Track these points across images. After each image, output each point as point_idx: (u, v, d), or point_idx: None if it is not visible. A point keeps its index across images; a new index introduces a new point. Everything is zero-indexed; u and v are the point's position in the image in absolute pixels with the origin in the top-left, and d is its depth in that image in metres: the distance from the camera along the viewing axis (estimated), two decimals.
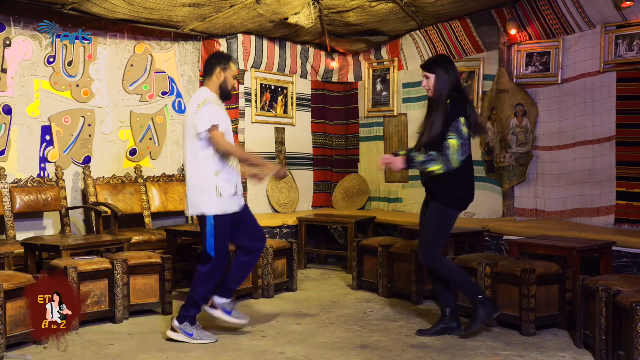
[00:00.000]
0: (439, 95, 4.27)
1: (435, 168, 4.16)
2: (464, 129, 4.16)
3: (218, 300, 4.39)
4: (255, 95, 7.60)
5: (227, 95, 4.34)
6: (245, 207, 4.47)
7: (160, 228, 6.40)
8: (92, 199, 6.13)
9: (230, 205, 4.27)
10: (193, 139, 4.19)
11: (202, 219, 4.27)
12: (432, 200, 4.34)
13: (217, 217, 4.21)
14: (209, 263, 4.24)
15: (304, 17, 6.73)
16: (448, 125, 4.18)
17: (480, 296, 4.31)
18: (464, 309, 4.74)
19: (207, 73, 4.32)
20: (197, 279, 4.28)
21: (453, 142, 4.14)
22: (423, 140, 4.33)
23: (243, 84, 7.43)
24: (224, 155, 4.21)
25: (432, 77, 4.31)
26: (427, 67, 4.38)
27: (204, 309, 4.40)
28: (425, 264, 4.40)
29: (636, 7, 5.86)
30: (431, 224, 4.33)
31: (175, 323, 4.27)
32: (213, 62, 4.31)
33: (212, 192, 4.18)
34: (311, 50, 8.07)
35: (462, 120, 4.16)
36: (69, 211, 6.05)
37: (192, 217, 6.85)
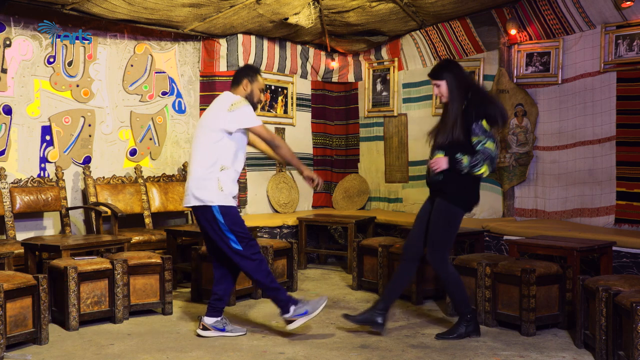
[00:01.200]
0: (453, 100, 4.22)
1: (483, 170, 4.17)
2: (488, 127, 4.16)
3: (208, 320, 4.34)
4: None
5: (252, 107, 4.36)
6: None
7: (160, 228, 6.40)
8: (92, 199, 6.13)
9: (231, 201, 4.26)
10: (210, 134, 4.20)
11: (204, 214, 4.20)
12: (441, 199, 4.28)
13: (222, 208, 4.19)
14: (241, 258, 4.21)
15: (304, 17, 6.74)
16: (469, 130, 4.15)
17: (469, 315, 4.34)
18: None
19: (234, 83, 4.39)
20: (251, 276, 4.28)
21: (489, 144, 4.15)
22: (439, 141, 4.28)
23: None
24: (274, 147, 4.30)
25: (442, 83, 4.26)
26: (434, 75, 4.31)
27: (199, 332, 4.35)
28: (433, 265, 4.34)
29: (636, 7, 5.86)
30: (439, 224, 4.28)
31: (287, 315, 4.23)
32: (241, 74, 4.39)
33: (214, 185, 4.18)
34: (311, 50, 8.07)
35: (484, 122, 4.14)
36: (69, 211, 6.05)
37: (192, 217, 6.88)
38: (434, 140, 4.35)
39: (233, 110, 4.19)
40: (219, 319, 4.36)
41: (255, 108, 4.39)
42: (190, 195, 4.25)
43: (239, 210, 4.42)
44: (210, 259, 5.34)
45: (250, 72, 4.40)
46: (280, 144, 4.36)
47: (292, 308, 4.23)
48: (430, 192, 4.44)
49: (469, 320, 4.34)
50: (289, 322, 4.26)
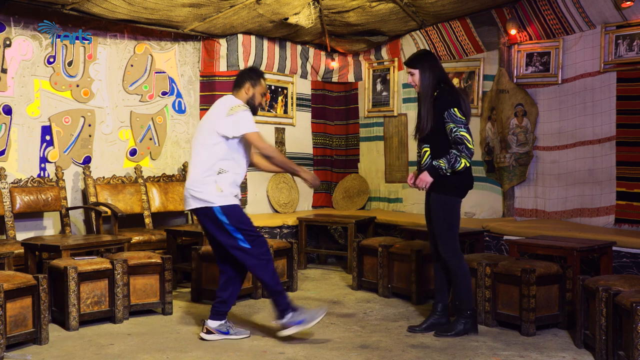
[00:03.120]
0: (425, 90, 4.32)
1: (463, 163, 4.21)
2: (460, 117, 4.21)
3: (212, 324, 4.31)
4: None
5: (253, 110, 4.33)
6: None
7: (160, 228, 6.40)
8: (92, 199, 6.13)
9: (233, 200, 4.22)
10: (208, 137, 4.18)
11: (206, 215, 4.17)
12: (435, 192, 4.34)
13: (224, 208, 4.15)
14: (249, 256, 4.18)
15: (304, 17, 6.73)
16: (441, 118, 4.23)
17: (470, 311, 4.37)
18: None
19: (236, 86, 4.35)
20: (256, 276, 4.26)
21: (462, 132, 4.19)
22: (419, 135, 4.41)
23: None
24: (269, 158, 4.28)
25: (416, 72, 4.35)
26: (409, 63, 4.42)
27: (202, 336, 4.32)
28: (446, 258, 4.37)
29: (636, 7, 5.86)
30: (439, 218, 4.34)
31: (283, 321, 4.19)
32: (244, 77, 4.34)
33: (212, 187, 4.14)
34: (311, 50, 8.07)
35: (455, 110, 4.21)
36: (69, 211, 6.05)
37: (192, 217, 6.88)
38: (418, 135, 4.43)
39: (231, 115, 4.15)
40: (222, 322, 4.33)
41: (256, 112, 4.36)
42: (190, 198, 4.21)
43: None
44: (210, 259, 5.37)
45: (253, 75, 4.36)
46: (273, 154, 4.31)
47: (289, 315, 4.19)
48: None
49: (468, 318, 4.37)
50: (283, 327, 4.23)
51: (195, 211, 4.24)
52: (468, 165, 4.24)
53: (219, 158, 4.18)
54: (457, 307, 4.42)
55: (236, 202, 4.25)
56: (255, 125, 4.23)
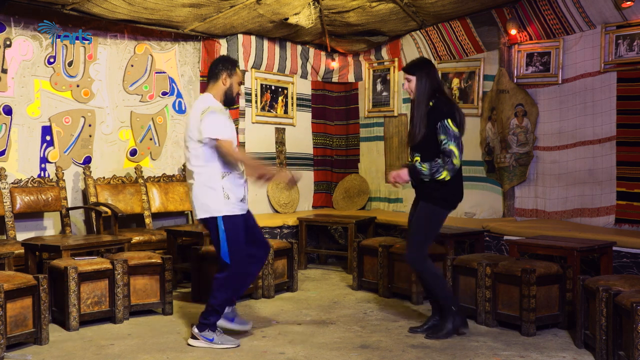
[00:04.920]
0: (420, 98, 4.31)
1: (443, 175, 4.20)
2: (453, 127, 4.20)
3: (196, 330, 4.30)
4: (256, 96, 7.60)
5: (231, 101, 4.29)
6: (248, 212, 4.36)
7: (160, 228, 6.40)
8: (93, 199, 6.13)
9: (238, 209, 4.20)
10: (195, 146, 4.14)
11: (211, 224, 4.17)
12: (422, 200, 4.37)
13: (226, 219, 4.12)
14: (226, 270, 4.16)
15: (304, 17, 6.74)
16: (434, 128, 4.22)
17: (455, 307, 4.37)
18: (464, 309, 4.76)
19: (212, 77, 4.24)
20: (215, 286, 4.20)
21: (452, 147, 4.17)
22: (410, 143, 4.39)
23: (243, 84, 7.43)
24: (230, 164, 4.15)
25: (413, 79, 4.35)
26: (407, 69, 4.41)
27: (189, 342, 4.29)
28: (410, 264, 4.42)
29: (636, 7, 5.86)
30: (420, 224, 4.36)
31: (195, 330, 4.19)
32: (219, 67, 4.23)
33: (219, 194, 4.11)
34: (311, 50, 8.07)
35: (449, 121, 4.20)
36: (69, 211, 6.05)
37: (192, 217, 6.87)
38: (409, 142, 4.41)
39: (202, 119, 4.08)
40: (229, 309, 4.36)
41: (233, 102, 4.31)
42: (198, 209, 4.18)
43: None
44: (211, 259, 5.36)
45: (228, 64, 4.24)
46: (241, 158, 4.23)
47: (206, 331, 4.16)
48: (415, 194, 4.49)
49: (455, 314, 4.36)
50: (194, 337, 4.20)
51: (202, 221, 4.22)
52: (448, 178, 4.22)
53: (217, 163, 4.13)
54: (442, 307, 4.42)
55: (241, 211, 4.20)
56: (226, 128, 4.11)
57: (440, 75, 6.76)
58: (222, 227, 4.13)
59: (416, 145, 4.34)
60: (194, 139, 4.14)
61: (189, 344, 4.19)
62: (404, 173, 4.29)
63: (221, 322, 4.31)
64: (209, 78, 4.28)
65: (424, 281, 4.46)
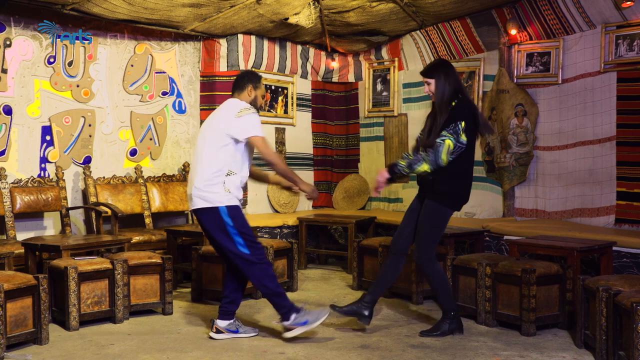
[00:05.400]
0: (441, 100, 4.30)
1: (424, 168, 4.22)
2: (462, 134, 4.19)
3: (221, 323, 4.32)
4: None
5: None
6: None
7: (160, 228, 6.41)
8: (92, 199, 6.14)
9: (237, 202, 4.23)
10: (217, 138, 4.17)
11: (210, 215, 4.16)
12: (428, 199, 4.36)
13: (230, 208, 4.15)
14: (250, 262, 4.17)
15: (304, 17, 6.74)
16: (448, 127, 4.21)
17: (453, 312, 4.40)
18: (464, 309, 4.76)
19: (238, 88, 4.38)
20: (255, 281, 4.23)
21: (448, 141, 4.17)
22: (425, 142, 4.36)
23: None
24: (269, 164, 4.28)
25: (432, 82, 4.34)
26: (426, 73, 4.41)
27: (212, 335, 4.32)
28: (419, 263, 4.43)
29: (636, 7, 5.86)
30: (426, 223, 4.35)
31: (286, 323, 4.20)
32: (245, 80, 4.38)
33: (220, 188, 4.14)
34: (311, 50, 8.07)
35: (462, 124, 4.19)
36: (69, 211, 6.06)
37: (192, 217, 6.88)
38: (426, 139, 4.37)
39: (240, 117, 4.17)
40: (231, 321, 4.34)
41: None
42: (197, 198, 4.19)
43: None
44: (211, 259, 5.37)
45: (254, 78, 4.40)
46: (276, 161, 4.29)
47: (293, 316, 4.20)
48: (420, 191, 4.49)
49: (453, 318, 4.40)
50: (288, 329, 4.24)
51: (199, 211, 4.20)
52: (429, 171, 4.22)
53: (228, 160, 4.18)
54: (442, 309, 4.46)
55: (239, 204, 4.26)
56: (262, 130, 4.25)
57: None
58: (227, 220, 4.14)
59: (429, 144, 4.31)
60: (222, 133, 4.16)
61: (286, 337, 4.21)
62: (383, 171, 4.31)
63: (226, 336, 4.30)
64: (234, 89, 4.41)
65: (429, 282, 4.48)
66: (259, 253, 4.21)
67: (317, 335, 4.41)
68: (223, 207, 4.14)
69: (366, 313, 4.45)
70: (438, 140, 4.18)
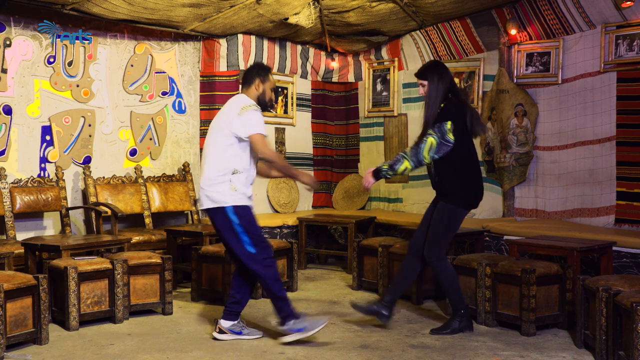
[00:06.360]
0: (432, 101, 4.34)
1: (404, 166, 4.28)
2: (449, 133, 4.23)
3: (225, 324, 4.31)
4: None
5: (264, 107, 4.36)
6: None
7: (160, 228, 6.40)
8: (92, 199, 6.13)
9: (246, 201, 4.21)
10: (222, 137, 4.17)
11: (219, 215, 4.15)
12: (444, 201, 4.41)
13: (236, 208, 4.13)
14: (256, 261, 4.16)
15: (304, 17, 6.73)
16: (434, 127, 4.27)
17: (463, 310, 4.44)
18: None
19: (246, 83, 4.36)
20: (260, 280, 4.23)
21: (431, 139, 4.24)
22: (416, 142, 4.44)
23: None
24: (265, 161, 4.27)
25: (426, 83, 4.39)
26: (420, 75, 4.45)
27: (215, 335, 4.31)
28: (430, 261, 4.45)
29: (636, 7, 5.86)
30: (440, 222, 4.40)
31: (284, 328, 4.18)
32: (252, 73, 4.35)
33: (226, 187, 4.13)
34: (311, 50, 8.07)
35: (449, 124, 4.23)
36: (69, 211, 6.05)
37: (192, 217, 6.88)
38: (417, 140, 4.43)
39: (242, 114, 4.15)
40: (235, 322, 4.32)
41: (266, 108, 4.40)
42: (204, 197, 4.20)
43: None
44: (211, 259, 5.37)
45: (262, 71, 4.37)
46: (275, 159, 4.29)
47: (291, 322, 4.18)
48: (436, 194, 4.55)
49: (463, 316, 4.44)
50: (284, 334, 4.22)
51: (209, 211, 4.21)
52: (410, 168, 4.29)
53: (234, 158, 4.17)
54: (452, 307, 4.49)
55: (249, 203, 4.23)
56: (264, 127, 4.22)
57: None
58: (234, 219, 4.13)
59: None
60: (223, 132, 4.17)
61: (285, 342, 4.17)
62: (369, 176, 4.38)
63: (230, 337, 4.29)
64: (242, 83, 4.40)
65: (439, 280, 4.51)
66: (266, 253, 4.20)
67: (318, 336, 4.41)
68: (229, 206, 4.13)
69: (386, 313, 4.51)
70: (422, 138, 4.27)
